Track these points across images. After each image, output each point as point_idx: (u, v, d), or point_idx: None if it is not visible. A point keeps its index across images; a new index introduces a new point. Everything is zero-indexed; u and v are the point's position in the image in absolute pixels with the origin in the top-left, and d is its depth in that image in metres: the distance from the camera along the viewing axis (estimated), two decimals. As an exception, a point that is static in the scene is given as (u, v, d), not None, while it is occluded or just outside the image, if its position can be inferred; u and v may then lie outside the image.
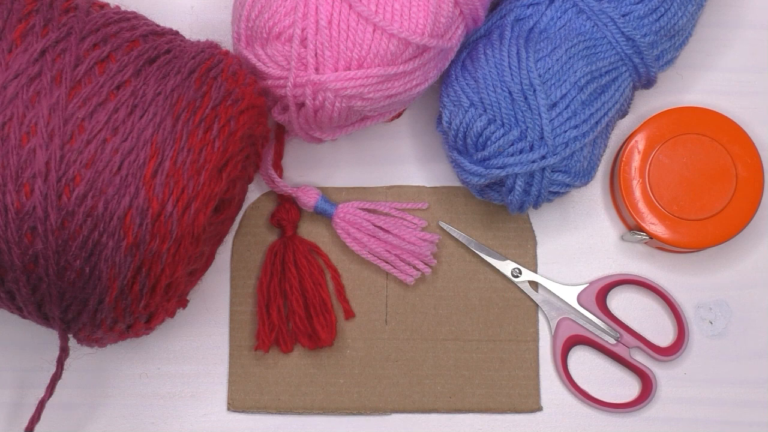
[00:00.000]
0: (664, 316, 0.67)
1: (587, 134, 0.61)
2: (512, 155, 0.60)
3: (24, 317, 0.57)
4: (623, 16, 0.61)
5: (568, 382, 0.65)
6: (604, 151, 0.64)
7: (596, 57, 0.61)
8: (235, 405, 0.65)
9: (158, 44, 0.55)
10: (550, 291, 0.66)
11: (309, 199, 0.65)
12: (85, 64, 0.52)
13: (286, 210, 0.65)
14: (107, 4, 0.57)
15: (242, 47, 0.60)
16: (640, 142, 0.65)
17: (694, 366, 0.66)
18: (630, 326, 0.66)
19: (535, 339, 0.66)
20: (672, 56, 0.64)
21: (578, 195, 0.68)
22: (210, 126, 0.53)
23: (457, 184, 0.67)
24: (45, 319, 0.56)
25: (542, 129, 0.60)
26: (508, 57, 0.60)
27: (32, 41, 0.52)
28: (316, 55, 0.57)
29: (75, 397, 0.65)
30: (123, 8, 0.57)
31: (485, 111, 0.61)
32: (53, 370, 0.59)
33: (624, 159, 0.65)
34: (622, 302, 0.67)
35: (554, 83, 0.60)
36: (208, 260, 0.64)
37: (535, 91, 0.60)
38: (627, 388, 0.66)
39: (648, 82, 0.64)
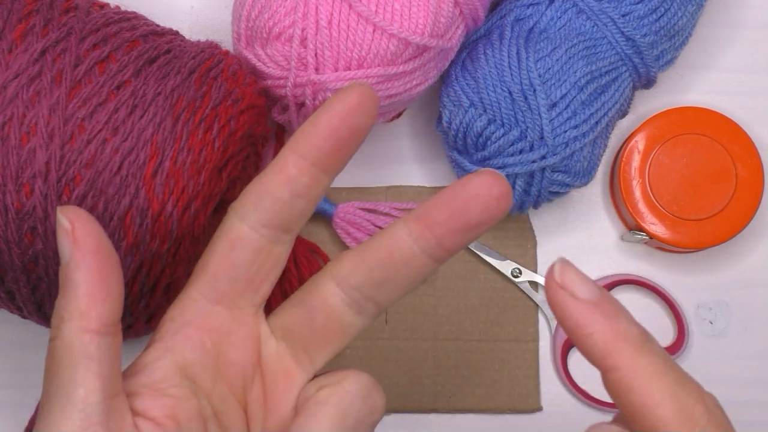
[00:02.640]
0: (664, 316, 0.67)
1: (587, 134, 0.61)
2: (512, 155, 0.60)
3: (24, 317, 0.57)
4: (623, 16, 0.61)
5: (568, 382, 0.65)
6: (604, 151, 0.64)
7: (596, 57, 0.61)
8: (235, 405, 0.65)
9: (158, 44, 0.55)
10: (550, 291, 0.66)
11: (309, 199, 0.65)
12: (85, 64, 0.52)
13: (286, 210, 0.65)
14: (107, 4, 0.57)
15: (242, 47, 0.59)
16: (640, 142, 0.65)
17: (694, 366, 0.66)
18: (630, 326, 0.66)
19: (535, 339, 0.66)
20: (672, 56, 0.64)
21: (578, 195, 0.68)
22: (210, 126, 0.53)
23: (457, 184, 0.67)
24: (45, 319, 0.56)
25: (542, 129, 0.60)
26: (508, 57, 0.60)
27: (32, 41, 0.52)
28: (316, 55, 0.57)
29: (75, 397, 0.65)
30: (123, 8, 0.57)
31: (485, 111, 0.61)
32: (53, 370, 0.59)
33: (624, 159, 0.65)
34: (622, 302, 0.66)
35: (554, 83, 0.60)
36: (208, 260, 0.64)
37: (535, 91, 0.60)
38: (627, 388, 0.66)
39: (648, 82, 0.64)
